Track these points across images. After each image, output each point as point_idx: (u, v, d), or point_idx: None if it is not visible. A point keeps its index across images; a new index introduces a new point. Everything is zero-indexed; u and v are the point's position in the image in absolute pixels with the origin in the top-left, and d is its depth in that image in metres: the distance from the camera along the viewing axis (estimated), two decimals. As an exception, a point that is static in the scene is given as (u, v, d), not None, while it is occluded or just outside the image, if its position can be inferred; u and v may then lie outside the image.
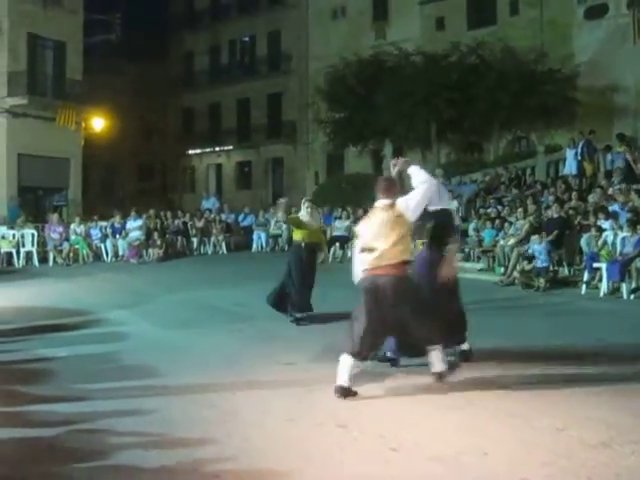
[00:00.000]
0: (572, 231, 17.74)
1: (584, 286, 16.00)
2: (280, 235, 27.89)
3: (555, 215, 18.23)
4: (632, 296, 14.88)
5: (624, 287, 15.07)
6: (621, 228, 16.33)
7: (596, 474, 5.45)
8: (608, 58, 32.07)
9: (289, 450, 6.18)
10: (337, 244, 24.12)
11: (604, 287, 15.48)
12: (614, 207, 18.16)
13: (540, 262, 16.61)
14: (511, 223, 19.38)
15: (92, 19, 37.21)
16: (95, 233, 27.30)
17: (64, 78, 34.75)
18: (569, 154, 25.60)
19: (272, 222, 28.55)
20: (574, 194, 20.61)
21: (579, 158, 24.89)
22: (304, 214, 13.02)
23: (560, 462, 5.72)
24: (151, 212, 29.09)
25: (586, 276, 16.09)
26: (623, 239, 15.77)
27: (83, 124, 35.50)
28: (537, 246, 16.73)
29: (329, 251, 23.60)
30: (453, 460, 5.81)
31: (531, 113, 30.71)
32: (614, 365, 8.99)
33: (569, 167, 25.43)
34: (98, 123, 36.59)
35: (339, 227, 24.78)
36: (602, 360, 9.30)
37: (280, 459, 5.95)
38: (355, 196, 28.08)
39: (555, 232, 17.46)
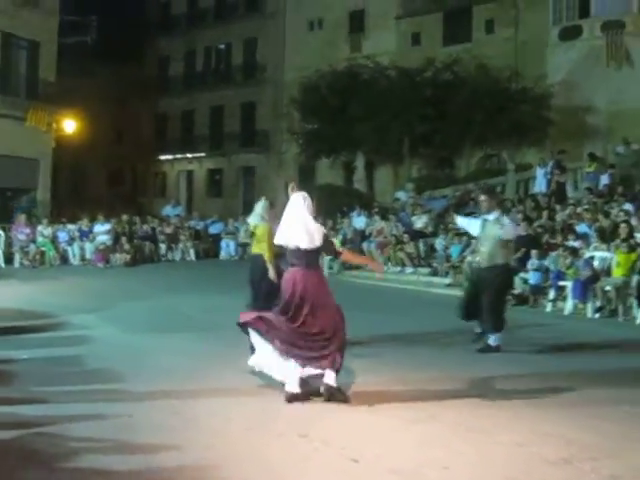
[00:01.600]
0: (540, 249, 17.81)
1: (550, 304, 16.10)
2: (249, 244, 27.78)
3: (523, 233, 18.32)
4: (597, 315, 14.99)
5: (589, 306, 15.19)
6: (588, 247, 16.54)
7: (555, 490, 5.48)
8: (581, 79, 32.35)
9: (250, 459, 6.15)
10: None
11: (569, 306, 15.60)
12: (582, 227, 18.31)
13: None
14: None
15: (68, 20, 36.98)
16: (62, 236, 27.10)
17: (37, 78, 34.49)
18: (539, 173, 25.83)
19: (241, 231, 28.47)
20: (545, 212, 20.72)
21: (549, 177, 25.11)
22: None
23: (520, 478, 5.74)
24: (124, 217, 29.03)
25: (552, 294, 16.19)
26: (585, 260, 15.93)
27: (54, 125, 35.20)
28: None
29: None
30: (413, 473, 5.80)
31: (503, 131, 30.95)
32: (575, 382, 9.03)
33: (539, 185, 25.64)
34: (70, 125, 36.31)
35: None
36: (564, 377, 9.35)
37: (240, 468, 5.91)
38: (326, 207, 28.10)
39: (522, 250, 17.53)
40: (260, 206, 11.69)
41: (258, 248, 11.62)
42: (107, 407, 7.61)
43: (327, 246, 8.47)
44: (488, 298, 11.06)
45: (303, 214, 8.25)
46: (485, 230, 11.35)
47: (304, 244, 8.16)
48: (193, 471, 5.82)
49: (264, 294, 11.13)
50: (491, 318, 11.07)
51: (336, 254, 8.87)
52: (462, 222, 12.73)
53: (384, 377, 8.59)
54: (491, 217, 11.32)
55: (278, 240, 8.46)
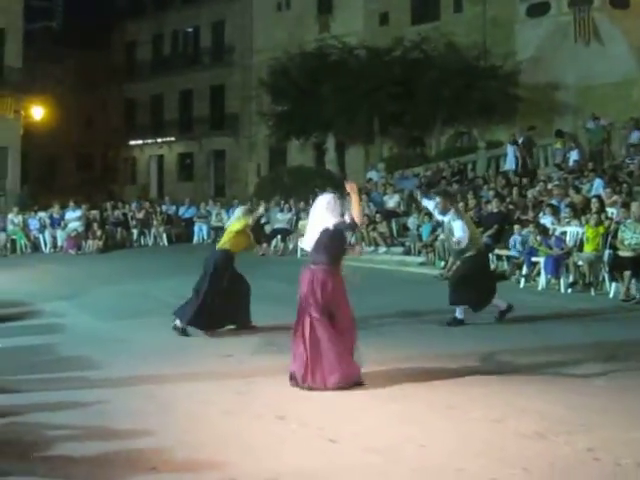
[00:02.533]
0: (511, 225, 17.88)
1: (522, 280, 16.19)
2: (221, 227, 27.78)
3: (495, 210, 18.40)
4: (569, 290, 15.09)
5: (561, 281, 15.28)
6: (559, 222, 16.63)
7: (531, 464, 5.52)
8: (549, 56, 32.44)
9: (227, 442, 6.16)
10: (278, 237, 24.05)
11: (542, 281, 15.69)
12: (553, 202, 18.39)
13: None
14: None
15: (33, 5, 36.58)
16: (33, 223, 26.90)
17: (3, 65, 34.15)
18: (509, 150, 25.89)
19: (213, 214, 28.45)
20: (515, 189, 20.81)
21: (518, 154, 25.20)
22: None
23: (496, 453, 5.79)
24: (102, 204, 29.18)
25: (525, 270, 16.27)
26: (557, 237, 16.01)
27: (22, 113, 34.90)
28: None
29: (270, 244, 23.57)
30: (391, 451, 5.84)
31: (473, 109, 31.02)
32: (549, 357, 9.11)
33: (509, 163, 25.72)
34: (38, 112, 35.98)
35: (281, 220, 24.68)
36: (537, 352, 9.42)
37: (218, 451, 5.92)
38: (297, 189, 28.09)
39: (495, 226, 17.61)
40: (239, 211, 12.12)
41: (221, 243, 11.85)
42: (83, 394, 7.58)
43: (346, 227, 8.38)
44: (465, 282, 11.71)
45: (320, 215, 8.22)
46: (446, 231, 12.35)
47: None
48: (172, 455, 5.82)
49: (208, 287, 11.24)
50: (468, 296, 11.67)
51: (354, 225, 8.60)
52: (428, 204, 12.89)
53: (357, 356, 8.62)
54: (446, 218, 11.99)
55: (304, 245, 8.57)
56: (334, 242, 8.14)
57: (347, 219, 8.27)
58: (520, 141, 25.43)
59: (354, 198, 8.30)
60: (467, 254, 11.82)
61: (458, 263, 12.56)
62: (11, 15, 34.51)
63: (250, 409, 7.06)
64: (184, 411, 7.04)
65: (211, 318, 11.00)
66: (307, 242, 8.35)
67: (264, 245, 23.09)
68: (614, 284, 14.23)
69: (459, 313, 11.59)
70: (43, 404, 7.16)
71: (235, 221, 11.76)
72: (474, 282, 11.70)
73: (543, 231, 16.08)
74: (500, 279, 16.57)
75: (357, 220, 8.22)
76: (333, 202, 8.28)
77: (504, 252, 17.04)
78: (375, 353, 8.95)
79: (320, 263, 8.13)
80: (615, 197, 17.70)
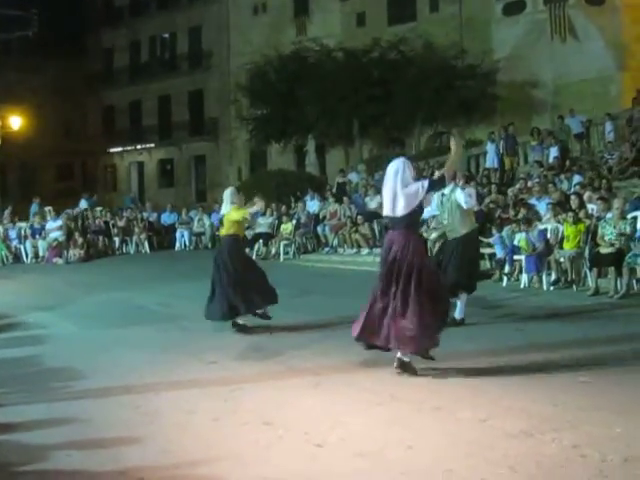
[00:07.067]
0: (493, 224, 17.91)
1: (505, 278, 16.22)
2: (203, 233, 27.77)
3: (475, 208, 18.38)
4: (552, 287, 15.12)
5: (544, 278, 15.32)
6: (540, 220, 16.64)
7: (518, 463, 5.53)
8: (526, 54, 32.67)
9: (215, 450, 6.14)
10: (260, 241, 24.00)
11: (524, 279, 15.72)
12: (533, 200, 18.44)
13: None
14: (434, 216, 19.46)
15: (7, 15, 36.31)
16: (14, 234, 26.75)
17: (-21, 76, 33.96)
18: (489, 148, 25.95)
19: (195, 220, 28.40)
20: (493, 187, 20.87)
21: (500, 152, 25.27)
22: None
23: (484, 452, 5.79)
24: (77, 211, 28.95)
25: (507, 268, 16.30)
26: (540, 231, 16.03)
27: (0, 123, 34.67)
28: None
29: (252, 248, 23.45)
30: (378, 455, 5.83)
31: (452, 108, 31.13)
32: (533, 355, 9.11)
33: (490, 161, 25.77)
34: (15, 122, 35.80)
35: (262, 224, 24.54)
36: (522, 350, 9.43)
37: (205, 459, 5.90)
38: (278, 192, 28.06)
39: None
40: (228, 193, 11.94)
41: (225, 230, 11.79)
42: (68, 406, 7.55)
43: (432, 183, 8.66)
44: (456, 263, 11.34)
45: (393, 182, 8.49)
46: (444, 204, 11.59)
47: (390, 212, 8.47)
48: (159, 464, 5.81)
49: (233, 278, 11.22)
50: (462, 280, 11.34)
51: (443, 180, 8.87)
52: (429, 214, 12.56)
53: (342, 360, 8.61)
54: (447, 190, 11.40)
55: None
56: (409, 207, 8.35)
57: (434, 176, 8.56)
58: (504, 137, 25.47)
59: (453, 150, 8.72)
60: (464, 230, 11.50)
61: (452, 244, 11.68)
62: (-14, 25, 34.38)
63: (236, 416, 7.04)
64: (170, 420, 7.01)
65: (232, 308, 11.22)
66: (385, 209, 8.57)
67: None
68: (596, 280, 14.23)
69: (460, 312, 11.38)
70: (29, 417, 7.11)
71: (231, 209, 11.64)
72: (473, 263, 11.76)
73: (527, 222, 16.07)
74: (484, 278, 16.62)
75: (448, 173, 8.72)
76: (403, 167, 8.58)
77: (487, 250, 17.02)
78: (359, 355, 8.94)
79: (398, 227, 8.41)
80: (588, 193, 17.71)
